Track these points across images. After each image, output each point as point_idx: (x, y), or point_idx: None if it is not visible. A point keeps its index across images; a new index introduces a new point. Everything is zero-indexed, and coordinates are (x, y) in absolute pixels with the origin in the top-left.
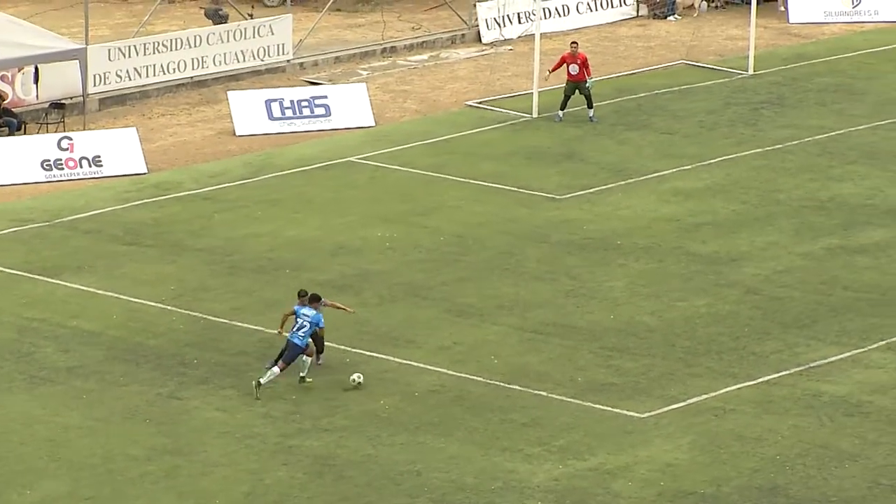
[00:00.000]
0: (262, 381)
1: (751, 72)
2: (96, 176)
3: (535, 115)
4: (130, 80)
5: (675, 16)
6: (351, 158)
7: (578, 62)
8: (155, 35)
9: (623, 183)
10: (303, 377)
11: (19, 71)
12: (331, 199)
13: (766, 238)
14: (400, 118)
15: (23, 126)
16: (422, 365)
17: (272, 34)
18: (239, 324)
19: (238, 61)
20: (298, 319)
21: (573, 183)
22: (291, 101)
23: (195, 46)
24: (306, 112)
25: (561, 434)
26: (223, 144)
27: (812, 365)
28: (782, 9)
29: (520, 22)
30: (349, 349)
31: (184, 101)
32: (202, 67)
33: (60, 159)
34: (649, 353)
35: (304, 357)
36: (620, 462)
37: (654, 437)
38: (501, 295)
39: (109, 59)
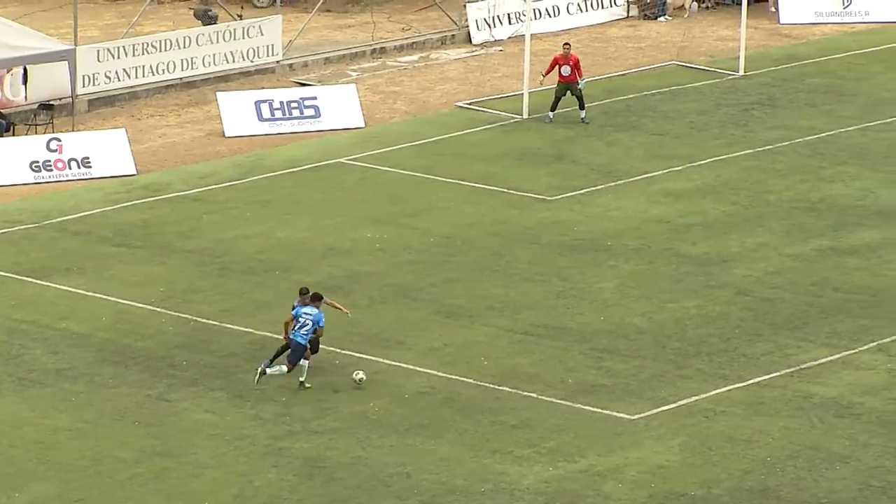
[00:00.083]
0: (267, 370)
1: (741, 73)
2: (85, 177)
3: (525, 116)
4: (119, 81)
5: (666, 16)
6: (341, 160)
7: (570, 63)
8: (144, 36)
9: (613, 184)
10: (302, 382)
11: (8, 72)
12: (320, 200)
13: (757, 239)
14: (390, 119)
15: (11, 127)
16: (411, 367)
17: (262, 35)
18: (228, 325)
19: (227, 62)
20: (300, 318)
21: (563, 184)
22: (281, 103)
23: (184, 47)
24: (296, 113)
25: (551, 436)
26: (212, 146)
27: (803, 366)
28: (773, 9)
29: (510, 23)
30: (339, 351)
31: (173, 103)
32: (191, 68)
33: (49, 160)
34: (640, 355)
35: (302, 361)
36: (611, 464)
37: (645, 439)
38: (491, 296)
39: (98, 60)
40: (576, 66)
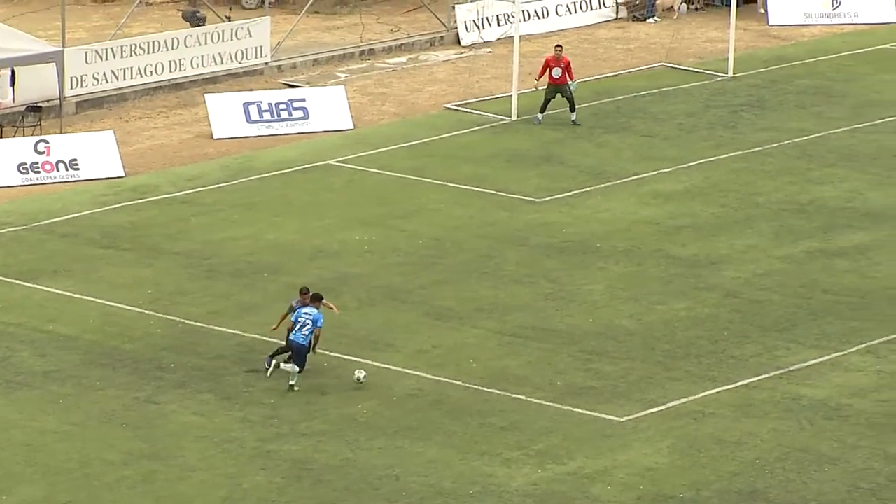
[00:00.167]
0: (282, 364)
1: (730, 74)
2: (73, 179)
3: (514, 117)
4: (107, 82)
5: (655, 18)
6: (329, 161)
7: (562, 65)
8: (132, 38)
9: (602, 186)
10: (291, 385)
11: None
12: (309, 202)
13: (746, 241)
14: (378, 121)
15: None
16: (400, 369)
17: (250, 37)
18: (216, 328)
19: (216, 64)
20: (300, 319)
21: (552, 186)
22: (269, 104)
23: (172, 49)
24: (284, 115)
25: (540, 438)
26: (201, 147)
27: (791, 368)
28: (762, 11)
29: (499, 24)
30: (328, 353)
31: (161, 104)
32: (180, 70)
33: (37, 162)
34: (628, 357)
35: (292, 366)
36: (599, 466)
37: (634, 441)
38: (480, 298)
39: (86, 62)
40: (567, 68)
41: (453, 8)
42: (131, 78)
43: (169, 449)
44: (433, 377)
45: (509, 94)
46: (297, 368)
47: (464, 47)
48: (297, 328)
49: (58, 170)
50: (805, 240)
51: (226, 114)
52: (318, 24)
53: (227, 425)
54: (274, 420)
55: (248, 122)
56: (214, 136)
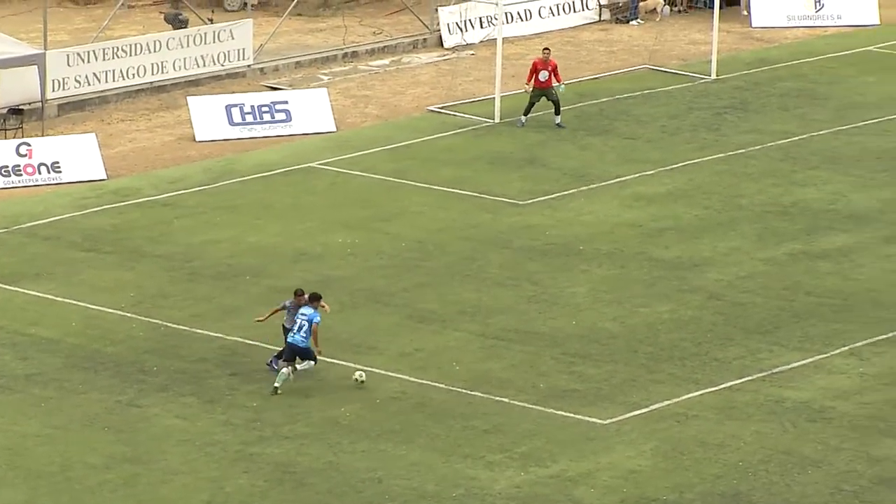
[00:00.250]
0: (297, 366)
1: (713, 76)
2: (55, 182)
3: (497, 119)
4: (90, 85)
5: (638, 20)
6: (312, 164)
7: (549, 69)
8: (114, 40)
9: (585, 188)
10: (276, 388)
11: None
12: (291, 204)
13: (729, 243)
14: (361, 123)
15: None
16: (383, 371)
17: (232, 39)
18: (199, 331)
19: (198, 66)
20: (297, 319)
21: (535, 188)
22: (252, 107)
23: (155, 51)
24: (267, 117)
25: (523, 441)
26: (183, 150)
27: (775, 371)
28: (745, 13)
29: (482, 26)
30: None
31: (143, 107)
32: (162, 72)
33: (19, 165)
34: (612, 360)
35: (285, 370)
36: (583, 469)
37: (617, 444)
38: (463, 301)
39: (68, 65)
40: (554, 72)
41: (436, 10)
42: (113, 80)
43: (151, 452)
44: (416, 380)
45: (492, 96)
46: (312, 364)
47: (447, 49)
48: (295, 331)
49: (39, 172)
50: (788, 242)
51: (208, 116)
52: (300, 27)
53: (210, 428)
54: (256, 423)
55: (230, 124)
56: (197, 139)
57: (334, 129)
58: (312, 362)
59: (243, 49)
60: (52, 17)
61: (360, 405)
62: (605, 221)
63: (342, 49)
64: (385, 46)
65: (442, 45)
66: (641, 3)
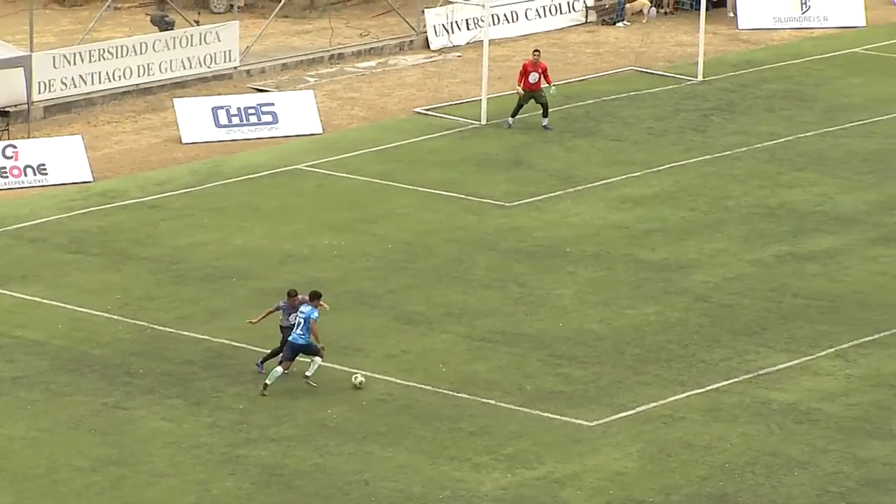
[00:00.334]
0: (307, 374)
1: (700, 78)
2: (41, 184)
3: (483, 121)
4: (76, 87)
5: (624, 22)
6: (298, 166)
7: (539, 70)
8: (100, 42)
9: (572, 190)
10: (266, 385)
11: None
12: (278, 206)
13: (716, 245)
14: (348, 125)
15: None
16: (370, 374)
17: (219, 41)
18: (185, 333)
19: (184, 68)
20: (297, 318)
21: (522, 190)
22: (238, 109)
23: (141, 53)
24: (253, 119)
25: (509, 442)
26: (169, 152)
27: (761, 372)
28: (731, 15)
29: (468, 28)
30: (297, 358)
31: (129, 109)
32: (148, 74)
33: (5, 167)
34: (598, 361)
35: (279, 367)
36: (569, 470)
37: (603, 446)
38: (450, 303)
39: (54, 67)
40: (544, 73)
41: (423, 12)
42: (100, 82)
43: (137, 455)
44: (402, 382)
45: (479, 98)
46: (319, 360)
47: (433, 51)
48: (294, 329)
49: (26, 175)
50: (775, 244)
51: (194, 118)
52: (287, 29)
53: (196, 431)
54: (243, 425)
55: (216, 126)
56: (183, 141)
57: (321, 131)
58: (319, 358)
59: (229, 51)
60: (37, 19)
61: (347, 407)
62: (591, 223)
63: (328, 51)
64: (371, 48)
65: (428, 46)
66: (628, 5)
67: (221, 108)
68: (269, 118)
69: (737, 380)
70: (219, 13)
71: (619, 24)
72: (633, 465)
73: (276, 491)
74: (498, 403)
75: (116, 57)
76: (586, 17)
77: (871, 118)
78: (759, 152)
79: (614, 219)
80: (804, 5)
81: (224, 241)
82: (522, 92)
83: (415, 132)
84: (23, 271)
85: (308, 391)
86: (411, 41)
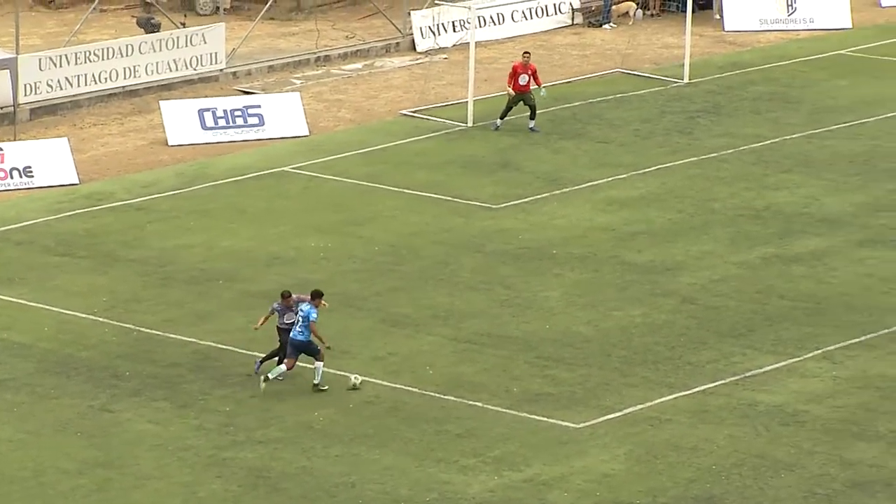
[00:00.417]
0: (315, 382)
1: (686, 80)
2: (27, 187)
3: (469, 123)
4: (62, 89)
5: (611, 24)
6: (285, 168)
7: (529, 72)
8: (86, 44)
9: (558, 192)
10: (267, 377)
11: None
12: (264, 209)
13: (702, 247)
14: (334, 127)
15: None
16: (356, 376)
17: (205, 43)
18: (172, 335)
19: (170, 70)
20: (298, 316)
21: (508, 192)
22: (224, 111)
23: (127, 55)
24: (239, 121)
25: (496, 445)
26: (155, 154)
27: (748, 374)
28: (718, 17)
29: (454, 30)
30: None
31: (116, 111)
32: (134, 77)
33: None
34: (585, 363)
35: (282, 365)
36: (556, 473)
37: (590, 448)
38: (436, 305)
39: (40, 69)
40: (534, 75)
41: (409, 14)
42: (86, 85)
43: (124, 457)
44: (389, 384)
45: (465, 100)
46: (283, 369)
47: (419, 53)
48: (294, 327)
49: (12, 177)
50: (761, 246)
51: (181, 120)
52: (273, 31)
53: (183, 433)
54: (230, 428)
55: (203, 128)
56: (169, 143)
57: (307, 133)
58: (321, 364)
59: (216, 53)
60: (23, 21)
61: (334, 410)
62: (578, 225)
63: (315, 53)
64: (358, 50)
65: (415, 49)
66: (614, 7)
67: (208, 110)
68: (255, 120)
69: (723, 382)
70: (205, 15)
71: (606, 26)
72: (620, 467)
73: (263, 493)
74: (485, 406)
75: (102, 59)
76: (572, 19)
77: (857, 120)
78: (746, 154)
79: (601, 221)
80: (790, 7)
81: (211, 244)
82: (513, 93)
83: (401, 134)
84: (9, 274)
85: (294, 393)
86: (397, 43)
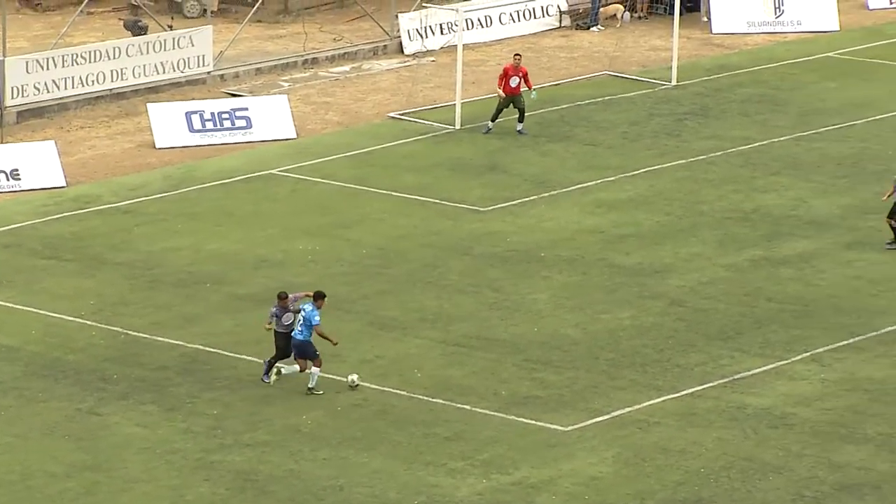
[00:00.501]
0: (310, 386)
1: (674, 83)
2: (14, 189)
3: (457, 126)
4: (49, 92)
5: (598, 26)
6: (272, 171)
7: (520, 75)
8: (73, 47)
9: (546, 195)
10: (280, 371)
11: None
12: (252, 212)
13: (690, 249)
14: (322, 130)
15: None
16: (344, 379)
17: (192, 45)
18: (159, 338)
19: (158, 73)
20: (299, 316)
21: (496, 195)
22: (212, 114)
23: (114, 58)
24: (227, 124)
25: (485, 448)
26: (143, 157)
27: (736, 377)
28: (705, 19)
29: (442, 33)
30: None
31: (103, 114)
32: (121, 79)
33: None
34: (573, 366)
35: (296, 365)
36: (544, 476)
37: (579, 451)
38: (424, 308)
39: (27, 72)
40: (525, 78)
41: (396, 17)
42: (73, 87)
43: (111, 461)
44: (377, 387)
45: (453, 102)
46: (297, 368)
47: (407, 56)
48: (296, 326)
49: None
50: (749, 248)
51: (168, 123)
52: (260, 33)
53: (170, 436)
54: (217, 431)
55: (190, 131)
56: (157, 146)
57: (295, 136)
58: (317, 369)
59: (203, 56)
60: (10, 23)
61: (322, 412)
62: (566, 228)
63: (302, 56)
64: (345, 53)
65: (402, 51)
66: (602, 10)
67: (195, 112)
68: (242, 123)
69: (712, 384)
70: (192, 18)
71: (594, 28)
72: (609, 470)
73: (251, 497)
74: (473, 409)
75: (90, 62)
76: (560, 21)
77: (845, 122)
78: (734, 157)
79: (589, 223)
80: (778, 10)
81: (198, 247)
82: (503, 95)
83: (389, 137)
84: None
85: (282, 396)
86: (385, 46)
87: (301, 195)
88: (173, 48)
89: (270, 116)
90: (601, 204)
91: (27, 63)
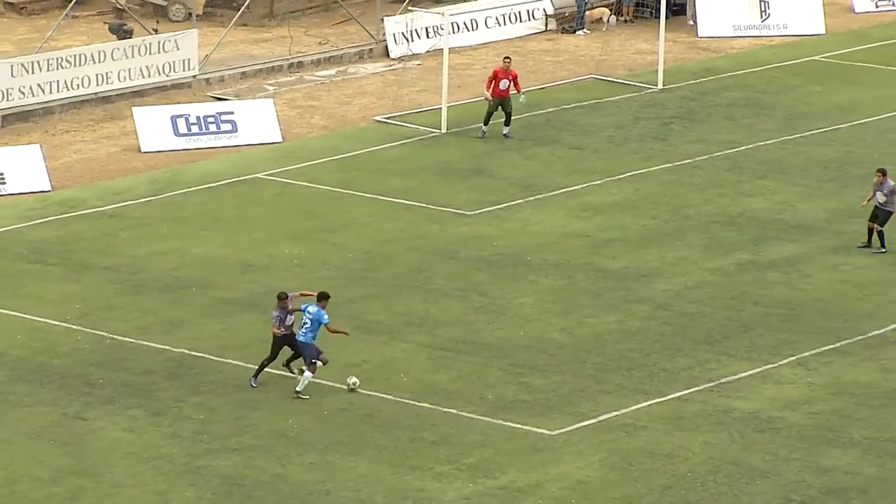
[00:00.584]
0: (298, 389)
1: (660, 86)
2: None
3: (443, 130)
4: (34, 96)
5: (584, 30)
6: (258, 175)
7: (510, 78)
8: (58, 51)
9: (532, 198)
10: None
11: None
12: (237, 216)
13: (676, 253)
14: (307, 134)
15: None
16: (330, 383)
17: (178, 49)
18: (145, 343)
19: (143, 77)
20: (304, 317)
21: (482, 199)
22: (197, 117)
23: (99, 62)
24: (212, 128)
25: (471, 452)
26: (128, 161)
27: (722, 381)
28: (691, 23)
29: (428, 37)
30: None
31: (88, 118)
32: (107, 83)
33: None
34: (559, 370)
35: (307, 372)
36: (531, 480)
37: (565, 455)
38: (410, 312)
39: (12, 75)
40: (514, 81)
41: (382, 20)
42: (58, 91)
43: (97, 465)
44: (363, 391)
45: (438, 106)
46: (310, 376)
47: (393, 60)
48: (300, 327)
49: None
50: (735, 252)
51: (153, 127)
52: (246, 37)
53: (157, 441)
54: (204, 436)
55: (175, 135)
56: (142, 150)
57: (280, 140)
58: (309, 374)
59: (188, 59)
60: None
61: (308, 417)
62: (552, 232)
63: (288, 59)
64: (331, 56)
65: (388, 55)
66: (588, 13)
67: (180, 116)
68: (228, 127)
69: (698, 388)
70: (177, 21)
71: (579, 32)
72: (595, 474)
73: (238, 501)
74: (459, 413)
75: (74, 65)
76: (546, 25)
77: (830, 126)
78: (720, 160)
79: (575, 227)
80: (763, 13)
81: (183, 251)
82: (490, 98)
83: (375, 141)
84: None
85: (268, 401)
86: (371, 49)
87: (287, 199)
88: (159, 52)
89: (256, 120)
90: (587, 208)
91: (12, 67)
